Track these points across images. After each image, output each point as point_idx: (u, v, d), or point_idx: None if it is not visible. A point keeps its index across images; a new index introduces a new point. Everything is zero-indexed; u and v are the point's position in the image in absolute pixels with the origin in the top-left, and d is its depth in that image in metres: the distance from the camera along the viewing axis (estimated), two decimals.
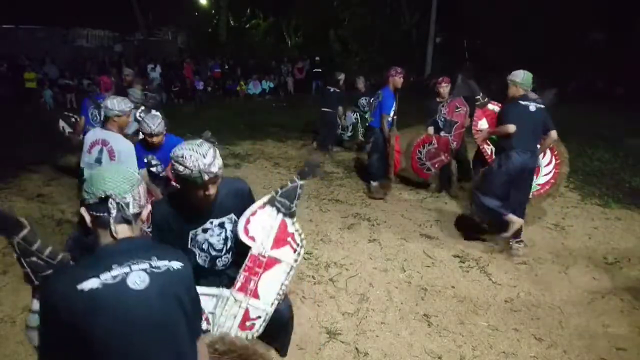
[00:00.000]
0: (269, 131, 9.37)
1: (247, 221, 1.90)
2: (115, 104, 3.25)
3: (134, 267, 1.15)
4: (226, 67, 18.13)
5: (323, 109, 7.65)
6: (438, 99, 5.40)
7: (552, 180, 4.34)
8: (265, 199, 1.95)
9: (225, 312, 1.87)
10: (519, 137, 3.68)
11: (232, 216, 1.95)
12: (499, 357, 2.66)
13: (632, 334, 2.88)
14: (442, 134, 5.34)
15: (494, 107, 4.49)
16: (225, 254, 1.99)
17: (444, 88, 5.35)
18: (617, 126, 9.50)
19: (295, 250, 1.97)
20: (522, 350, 2.72)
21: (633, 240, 4.26)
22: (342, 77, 7.95)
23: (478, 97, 4.56)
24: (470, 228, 4.48)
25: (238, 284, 1.88)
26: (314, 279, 3.48)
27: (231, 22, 21.79)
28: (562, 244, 4.16)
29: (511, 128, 3.67)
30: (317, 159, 2.11)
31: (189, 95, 15.28)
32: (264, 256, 1.91)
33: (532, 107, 3.72)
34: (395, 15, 19.14)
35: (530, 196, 4.14)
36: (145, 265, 1.18)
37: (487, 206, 3.78)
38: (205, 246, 1.94)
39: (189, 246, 1.92)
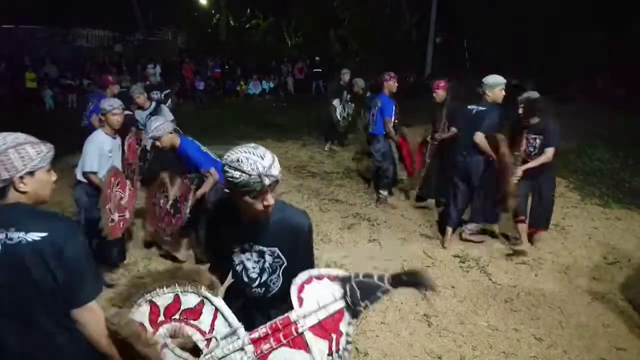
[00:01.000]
0: (269, 131, 9.37)
1: (309, 280, 1.54)
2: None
3: None
4: (226, 67, 18.13)
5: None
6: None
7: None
8: (341, 273, 1.55)
9: (226, 350, 1.52)
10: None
11: (276, 250, 1.62)
12: (499, 357, 2.66)
13: (632, 334, 2.88)
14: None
15: None
16: (257, 287, 1.69)
17: (437, 93, 4.98)
18: (617, 126, 9.50)
19: (330, 353, 1.56)
20: (522, 350, 2.72)
21: (633, 240, 4.26)
22: (347, 71, 7.80)
23: None
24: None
25: (255, 334, 1.53)
26: None
27: (231, 22, 21.78)
28: (562, 244, 4.16)
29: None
30: (427, 281, 1.55)
31: (189, 95, 15.28)
32: (298, 330, 1.53)
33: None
34: (395, 15, 19.13)
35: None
36: (2, 236, 1.25)
37: None
38: (239, 268, 1.69)
39: (232, 262, 1.69)
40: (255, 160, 1.41)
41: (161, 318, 1.51)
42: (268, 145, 7.10)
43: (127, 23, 20.78)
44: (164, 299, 1.50)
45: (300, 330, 1.51)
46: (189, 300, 1.52)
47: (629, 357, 2.69)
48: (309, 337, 1.52)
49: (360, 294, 1.51)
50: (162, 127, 3.28)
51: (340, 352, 1.58)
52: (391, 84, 5.07)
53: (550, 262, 3.82)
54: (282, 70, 18.32)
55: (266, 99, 16.23)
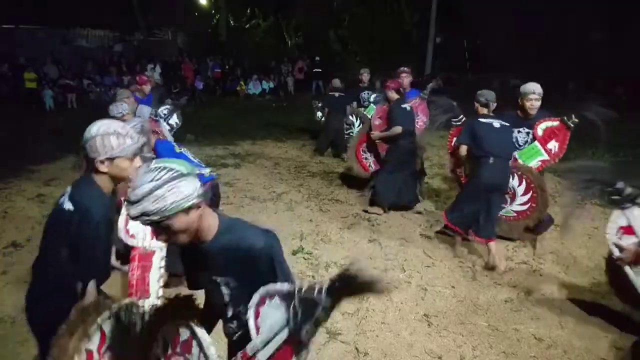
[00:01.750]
0: (269, 131, 9.37)
1: (262, 301, 1.32)
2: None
3: None
4: (226, 67, 18.13)
5: (331, 114, 7.52)
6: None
7: (529, 213, 3.94)
8: (287, 288, 1.27)
9: None
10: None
11: (229, 280, 1.41)
12: (499, 357, 2.66)
13: (632, 334, 2.87)
14: None
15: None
16: (229, 322, 1.50)
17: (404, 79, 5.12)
18: (617, 126, 9.50)
19: None
20: (522, 350, 2.72)
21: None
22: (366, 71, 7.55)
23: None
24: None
25: (137, 294, 1.67)
26: (314, 279, 3.48)
27: (231, 22, 21.78)
28: (562, 244, 4.16)
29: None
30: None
31: (189, 96, 15.28)
32: (146, 252, 1.74)
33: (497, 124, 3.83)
34: (395, 15, 19.13)
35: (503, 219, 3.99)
36: (62, 199, 1.65)
37: None
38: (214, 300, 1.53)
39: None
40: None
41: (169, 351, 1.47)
42: (268, 145, 7.17)
43: (127, 23, 20.76)
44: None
45: None
46: (184, 333, 1.47)
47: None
48: None
49: (301, 315, 1.21)
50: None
51: None
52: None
53: (550, 262, 3.82)
54: (282, 70, 18.32)
55: (266, 99, 16.24)
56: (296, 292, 1.22)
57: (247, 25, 22.07)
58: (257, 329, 1.31)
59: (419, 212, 4.93)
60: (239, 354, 1.32)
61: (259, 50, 20.54)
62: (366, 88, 7.40)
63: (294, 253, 3.91)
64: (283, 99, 16.26)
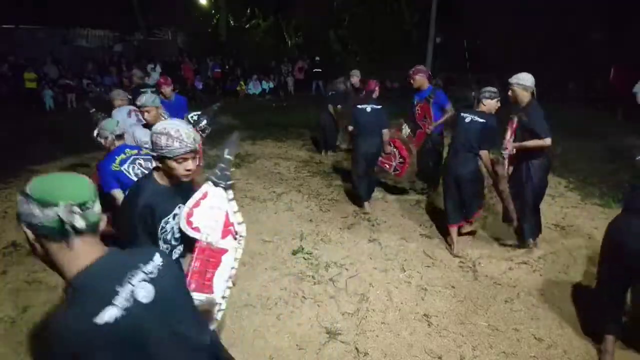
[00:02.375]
0: (269, 131, 9.37)
1: (190, 213, 1.81)
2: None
3: (134, 280, 1.05)
4: (226, 67, 18.13)
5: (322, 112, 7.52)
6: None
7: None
8: (204, 186, 1.88)
9: None
10: None
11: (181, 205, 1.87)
12: (499, 357, 2.66)
13: (631, 334, 2.87)
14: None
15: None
16: (180, 244, 1.92)
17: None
18: (618, 126, 9.51)
19: (235, 237, 1.88)
20: (522, 350, 2.72)
21: None
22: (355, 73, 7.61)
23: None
24: (469, 228, 4.48)
25: (192, 285, 1.77)
26: (314, 279, 3.48)
27: (231, 22, 21.77)
28: (562, 244, 4.16)
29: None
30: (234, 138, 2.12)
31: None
32: (212, 248, 1.83)
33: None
34: (395, 15, 19.12)
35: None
36: (142, 275, 1.07)
37: None
38: (169, 236, 1.85)
39: (159, 237, 1.82)
40: (178, 128, 1.72)
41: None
42: (268, 145, 7.17)
43: (127, 23, 20.76)
44: None
45: (215, 246, 1.83)
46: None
47: (630, 357, 2.69)
48: (223, 243, 1.84)
49: (225, 171, 1.92)
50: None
51: (238, 236, 1.89)
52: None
53: (550, 262, 3.82)
54: (282, 70, 18.32)
55: (266, 99, 16.23)
56: (212, 176, 1.88)
57: (247, 25, 22.06)
58: (197, 229, 1.81)
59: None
60: (195, 256, 1.80)
61: (259, 50, 20.54)
62: (357, 90, 7.36)
63: (294, 253, 3.91)
64: (283, 99, 16.25)
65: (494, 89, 3.94)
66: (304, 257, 3.85)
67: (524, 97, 3.67)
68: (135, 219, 1.72)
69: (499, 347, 2.74)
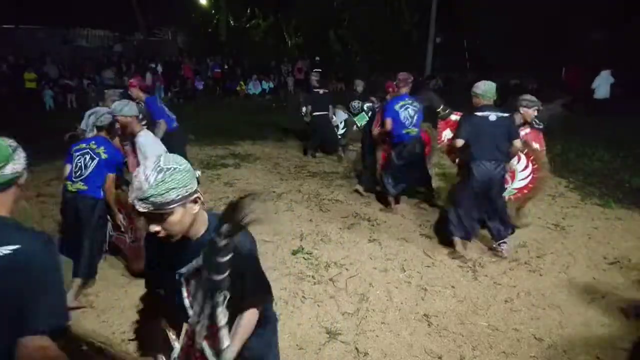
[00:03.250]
0: (269, 131, 9.37)
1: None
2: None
3: None
4: (226, 67, 18.14)
5: (315, 114, 7.39)
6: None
7: (531, 185, 4.20)
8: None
9: None
10: (477, 148, 3.62)
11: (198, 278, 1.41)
12: (499, 357, 2.66)
13: (631, 334, 2.88)
14: None
15: (456, 117, 4.33)
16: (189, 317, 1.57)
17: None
18: (618, 126, 9.51)
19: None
20: (522, 350, 2.72)
21: (633, 240, 4.26)
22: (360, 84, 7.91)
23: (439, 109, 4.53)
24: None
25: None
26: (314, 279, 3.48)
27: (231, 22, 21.77)
28: (562, 244, 4.16)
29: (459, 143, 3.67)
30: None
31: (189, 96, 15.29)
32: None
33: (492, 116, 3.63)
34: (395, 15, 19.13)
35: (507, 199, 4.05)
36: None
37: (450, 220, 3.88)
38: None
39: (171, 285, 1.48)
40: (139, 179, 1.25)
41: None
42: (268, 145, 7.18)
43: (127, 23, 20.79)
44: None
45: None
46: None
47: (629, 356, 2.69)
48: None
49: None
50: None
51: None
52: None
53: (550, 262, 3.82)
54: (282, 70, 18.33)
55: (266, 99, 16.24)
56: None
57: (247, 25, 22.06)
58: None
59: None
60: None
61: (259, 50, 20.55)
62: (358, 98, 7.72)
63: (294, 253, 3.91)
64: (283, 99, 16.26)
65: (533, 98, 3.84)
66: (304, 257, 3.85)
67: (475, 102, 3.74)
68: None
69: (499, 347, 2.74)
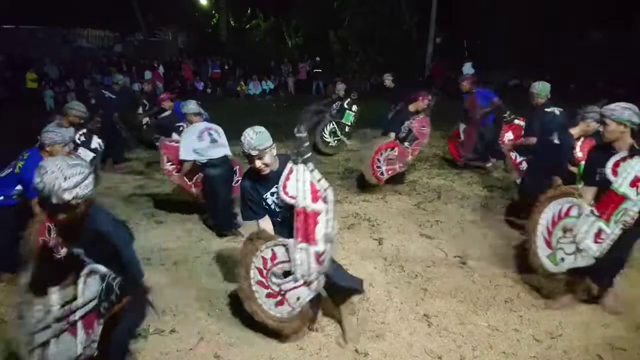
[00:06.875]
0: (269, 131, 9.32)
1: (284, 186, 2.39)
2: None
3: None
4: (226, 67, 18.13)
5: None
6: (412, 109, 5.58)
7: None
8: (288, 165, 2.40)
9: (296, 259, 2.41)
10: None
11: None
12: (499, 357, 2.66)
13: (631, 334, 2.88)
14: (406, 144, 5.57)
15: (519, 122, 5.22)
16: (284, 210, 2.50)
17: (422, 103, 5.59)
18: None
19: (324, 200, 2.33)
20: (522, 350, 2.72)
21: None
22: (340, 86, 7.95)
23: (504, 114, 5.43)
24: (470, 228, 4.49)
25: (299, 238, 2.37)
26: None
27: (231, 22, 21.77)
28: None
29: (533, 140, 4.19)
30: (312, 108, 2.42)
31: (189, 96, 15.28)
32: (307, 210, 2.34)
33: (557, 111, 4.17)
34: (395, 15, 19.11)
35: None
36: None
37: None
38: (273, 206, 2.55)
39: (264, 206, 2.56)
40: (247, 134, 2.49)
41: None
42: None
43: (127, 23, 20.78)
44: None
45: (308, 208, 2.35)
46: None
47: (629, 356, 2.69)
48: (314, 206, 2.33)
49: (302, 150, 2.35)
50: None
51: (324, 191, 2.33)
52: (420, 104, 5.58)
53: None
54: (282, 70, 18.32)
55: (266, 99, 16.23)
56: (107, 276, 1.87)
57: (247, 26, 22.05)
58: (293, 197, 2.38)
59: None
60: (65, 308, 1.92)
61: (259, 50, 20.52)
62: (338, 99, 7.76)
63: None
64: (283, 99, 16.25)
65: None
66: None
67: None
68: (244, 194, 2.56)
69: (499, 348, 2.74)
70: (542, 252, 3.10)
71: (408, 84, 16.86)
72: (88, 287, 1.89)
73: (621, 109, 2.69)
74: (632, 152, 2.67)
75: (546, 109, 4.20)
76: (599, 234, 2.78)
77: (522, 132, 4.82)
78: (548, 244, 3.07)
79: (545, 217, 3.07)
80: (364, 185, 5.82)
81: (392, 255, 3.94)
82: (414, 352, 2.69)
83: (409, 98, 5.71)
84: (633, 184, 2.64)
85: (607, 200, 2.74)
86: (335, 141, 7.80)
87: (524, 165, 4.65)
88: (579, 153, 3.97)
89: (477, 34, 17.87)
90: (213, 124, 4.59)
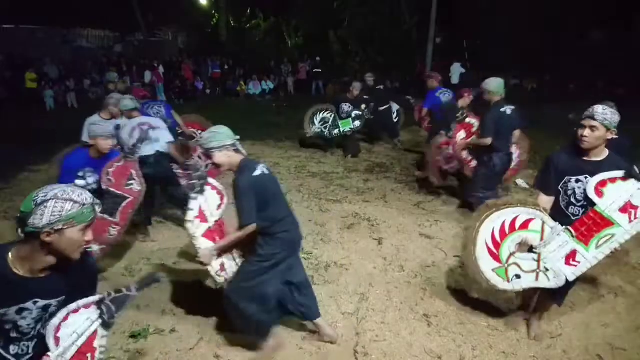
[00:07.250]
0: (269, 131, 9.37)
1: (66, 317, 1.58)
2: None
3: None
4: (226, 67, 18.12)
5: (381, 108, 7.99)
6: (461, 105, 5.60)
7: (517, 167, 5.06)
8: (95, 298, 1.66)
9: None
10: (501, 141, 4.16)
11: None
12: (499, 357, 2.66)
13: (631, 334, 2.88)
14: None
15: (470, 120, 5.15)
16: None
17: (468, 99, 5.66)
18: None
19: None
20: (522, 350, 2.72)
21: (633, 241, 4.24)
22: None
23: (457, 114, 5.27)
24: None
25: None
26: (314, 279, 3.48)
27: (231, 22, 21.77)
28: None
29: (488, 140, 4.13)
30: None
31: (189, 96, 15.28)
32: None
33: (508, 110, 4.12)
34: (395, 15, 19.11)
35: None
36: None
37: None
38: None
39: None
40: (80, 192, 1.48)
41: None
42: (268, 145, 7.17)
43: (127, 23, 20.78)
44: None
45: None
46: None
47: (628, 356, 2.70)
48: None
49: (115, 308, 1.69)
50: None
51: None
52: (466, 100, 5.64)
53: None
54: (282, 70, 18.32)
55: (266, 99, 16.23)
56: (106, 297, 1.67)
57: (247, 25, 22.05)
58: (57, 340, 1.57)
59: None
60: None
61: (259, 50, 20.52)
62: (351, 102, 7.31)
63: None
64: (283, 99, 16.25)
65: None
66: (304, 257, 3.83)
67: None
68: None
69: (499, 347, 2.74)
70: (485, 263, 2.64)
71: (402, 84, 16.94)
72: (68, 327, 1.59)
73: (612, 114, 2.45)
74: (627, 175, 2.38)
75: (500, 108, 4.13)
76: (572, 255, 2.48)
77: (473, 130, 4.94)
78: (494, 256, 2.63)
79: (490, 225, 2.62)
80: (364, 185, 5.83)
81: (392, 255, 3.94)
82: (414, 352, 2.70)
83: (460, 94, 5.78)
84: (624, 209, 2.37)
85: (587, 220, 2.42)
86: (320, 130, 7.48)
87: (474, 163, 4.79)
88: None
89: (477, 34, 17.87)
90: (151, 118, 4.20)
